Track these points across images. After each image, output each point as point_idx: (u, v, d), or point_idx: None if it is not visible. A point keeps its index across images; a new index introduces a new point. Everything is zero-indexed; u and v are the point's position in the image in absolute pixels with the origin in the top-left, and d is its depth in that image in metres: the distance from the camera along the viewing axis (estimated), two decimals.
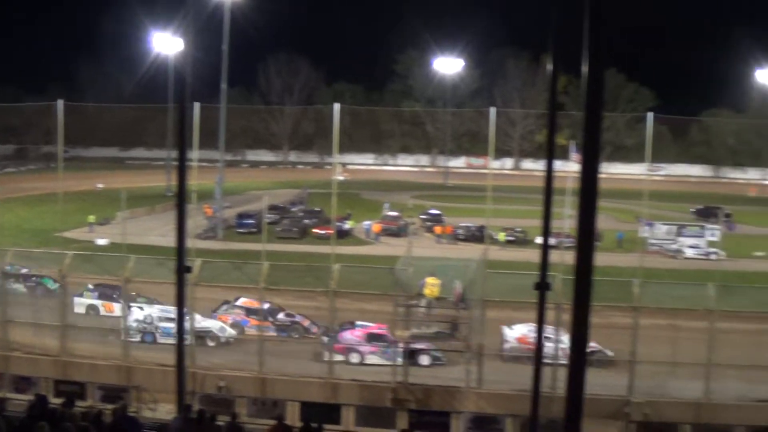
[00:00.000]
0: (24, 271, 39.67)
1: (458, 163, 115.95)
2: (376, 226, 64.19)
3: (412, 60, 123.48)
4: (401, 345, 31.75)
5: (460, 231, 63.32)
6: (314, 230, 61.97)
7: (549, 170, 14.30)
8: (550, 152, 14.76)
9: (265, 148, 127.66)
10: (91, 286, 39.18)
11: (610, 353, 33.53)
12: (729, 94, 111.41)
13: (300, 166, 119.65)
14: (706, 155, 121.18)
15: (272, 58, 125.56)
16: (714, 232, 61.12)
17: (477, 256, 38.30)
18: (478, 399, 28.94)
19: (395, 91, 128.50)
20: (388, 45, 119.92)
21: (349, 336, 34.34)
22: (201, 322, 34.73)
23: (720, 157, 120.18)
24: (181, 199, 17.00)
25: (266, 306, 36.29)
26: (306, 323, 37.52)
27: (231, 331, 36.24)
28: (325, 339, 32.96)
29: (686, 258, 58.59)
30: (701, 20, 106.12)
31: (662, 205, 73.94)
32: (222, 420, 20.54)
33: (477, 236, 58.83)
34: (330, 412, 26.53)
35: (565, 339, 32.50)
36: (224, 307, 38.20)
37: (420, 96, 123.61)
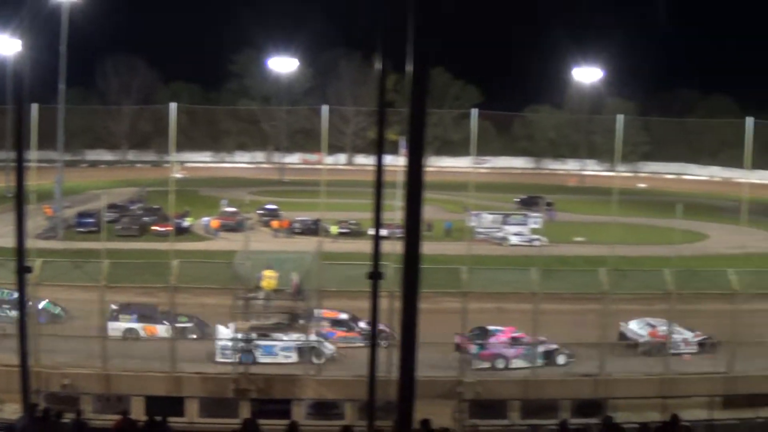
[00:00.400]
0: (16, 296, 37.13)
1: (294, 159, 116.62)
2: (214, 222, 64.21)
3: (248, 60, 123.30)
4: (540, 345, 33.16)
5: (297, 225, 64.00)
6: (153, 228, 61.38)
7: (379, 164, 15.05)
8: (380, 147, 15.46)
9: (104, 147, 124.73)
10: (114, 307, 35.84)
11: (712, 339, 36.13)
12: (549, 91, 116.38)
13: (139, 165, 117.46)
14: (528, 148, 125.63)
15: (110, 58, 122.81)
16: (536, 220, 63.67)
17: (313, 249, 39.20)
18: (318, 386, 29.77)
19: (231, 90, 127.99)
20: (225, 45, 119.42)
21: (496, 341, 34.31)
22: (302, 337, 33.49)
23: (541, 150, 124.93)
24: (19, 199, 17.03)
25: (345, 316, 36.21)
26: (388, 330, 36.48)
27: (331, 347, 34.37)
28: (474, 347, 33.29)
29: (511, 245, 60.73)
30: (521, 21, 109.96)
31: (488, 196, 76.19)
32: (68, 417, 20.71)
33: (313, 229, 59.51)
34: (174, 405, 26.81)
35: (682, 329, 35.41)
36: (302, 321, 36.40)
37: (256, 95, 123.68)
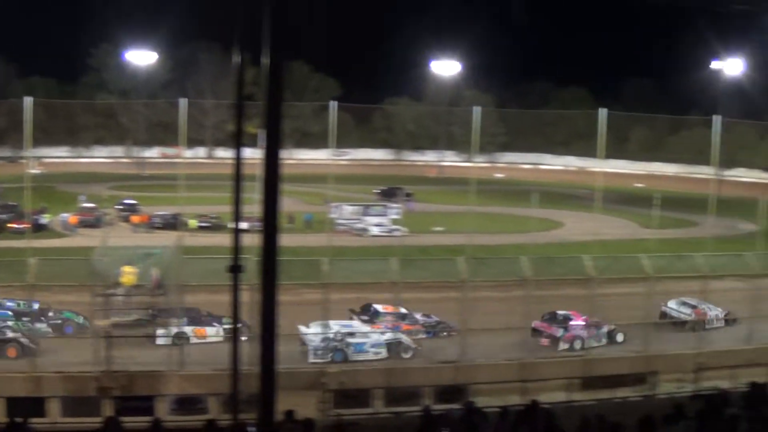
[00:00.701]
0: (36, 306, 34.53)
1: (153, 153, 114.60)
2: (72, 218, 62.64)
3: (106, 53, 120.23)
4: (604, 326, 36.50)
5: (156, 219, 63.00)
6: (10, 225, 59.26)
7: (238, 158, 15.10)
8: (238, 140, 15.55)
9: None
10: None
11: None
12: (408, 83, 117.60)
13: None
14: (388, 140, 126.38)
15: None
16: (396, 210, 64.47)
17: (173, 243, 38.85)
18: (182, 381, 29.45)
19: (89, 84, 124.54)
20: (82, 38, 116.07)
21: (575, 325, 36.23)
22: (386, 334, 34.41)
23: (400, 142, 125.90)
24: None
25: (404, 310, 36.20)
26: (444, 321, 37.23)
27: (410, 341, 34.92)
28: (560, 331, 35.69)
29: (372, 236, 60.86)
30: (380, 14, 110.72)
31: (348, 188, 76.68)
32: None
33: (172, 224, 58.88)
34: (35, 405, 26.12)
35: (714, 308, 39.17)
36: (364, 316, 36.77)
37: (114, 88, 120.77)
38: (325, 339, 33.22)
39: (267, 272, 10.38)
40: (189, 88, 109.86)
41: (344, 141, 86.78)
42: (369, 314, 36.63)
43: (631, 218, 73.99)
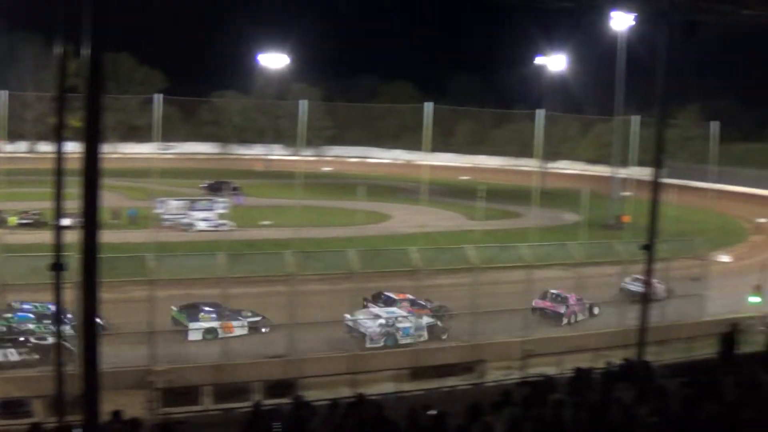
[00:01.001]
0: (52, 307, 31.54)
1: None
2: None
3: None
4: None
5: None
6: None
7: (59, 152, 14.65)
8: (59, 134, 15.09)
9: None
10: (175, 308, 34.08)
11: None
12: (235, 76, 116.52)
13: None
14: (214, 133, 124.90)
15: None
16: (223, 205, 63.85)
17: None
18: (4, 384, 28.45)
19: None
20: None
21: (572, 302, 40.17)
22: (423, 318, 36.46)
23: (227, 135, 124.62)
24: None
25: (412, 297, 38.14)
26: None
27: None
28: (564, 308, 39.77)
29: (199, 231, 59.75)
30: (207, 6, 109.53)
31: (174, 182, 75.30)
32: None
33: None
34: None
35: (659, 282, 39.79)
36: (379, 303, 38.31)
37: None
38: (381, 325, 35.24)
39: (88, 270, 10.19)
40: (9, 79, 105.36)
41: (170, 134, 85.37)
42: (383, 301, 38.37)
43: (457, 210, 75.58)
